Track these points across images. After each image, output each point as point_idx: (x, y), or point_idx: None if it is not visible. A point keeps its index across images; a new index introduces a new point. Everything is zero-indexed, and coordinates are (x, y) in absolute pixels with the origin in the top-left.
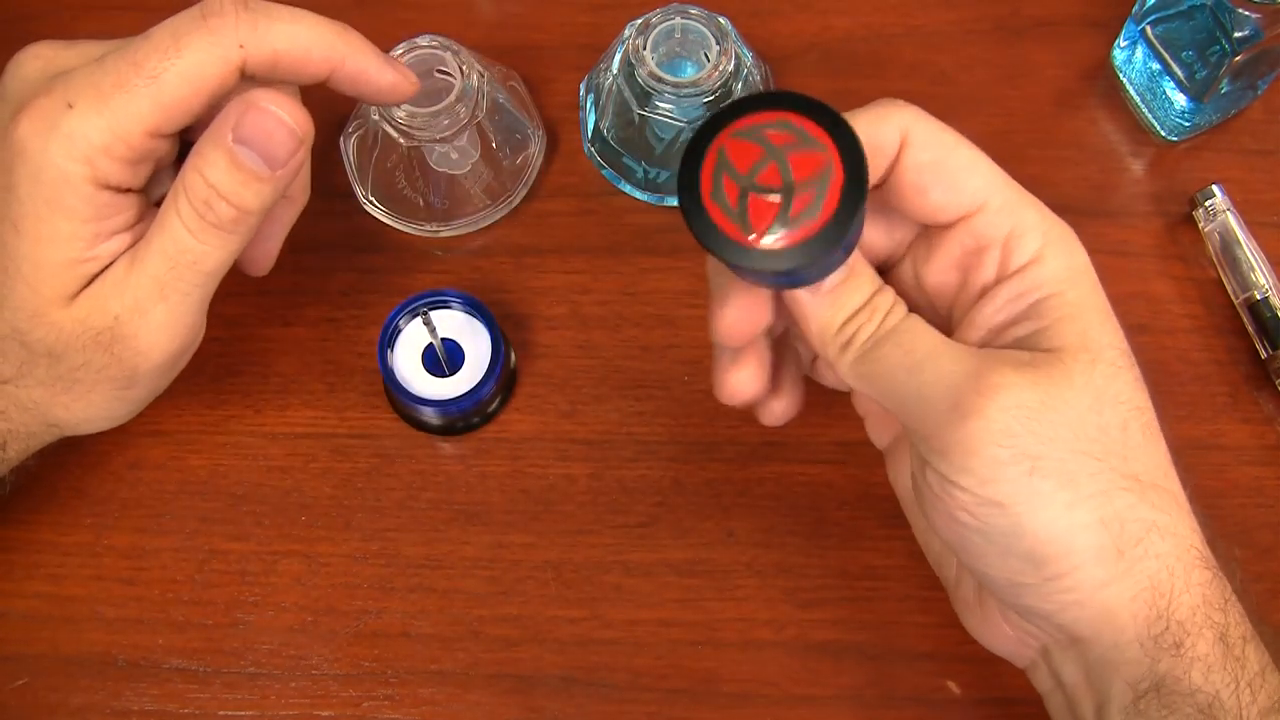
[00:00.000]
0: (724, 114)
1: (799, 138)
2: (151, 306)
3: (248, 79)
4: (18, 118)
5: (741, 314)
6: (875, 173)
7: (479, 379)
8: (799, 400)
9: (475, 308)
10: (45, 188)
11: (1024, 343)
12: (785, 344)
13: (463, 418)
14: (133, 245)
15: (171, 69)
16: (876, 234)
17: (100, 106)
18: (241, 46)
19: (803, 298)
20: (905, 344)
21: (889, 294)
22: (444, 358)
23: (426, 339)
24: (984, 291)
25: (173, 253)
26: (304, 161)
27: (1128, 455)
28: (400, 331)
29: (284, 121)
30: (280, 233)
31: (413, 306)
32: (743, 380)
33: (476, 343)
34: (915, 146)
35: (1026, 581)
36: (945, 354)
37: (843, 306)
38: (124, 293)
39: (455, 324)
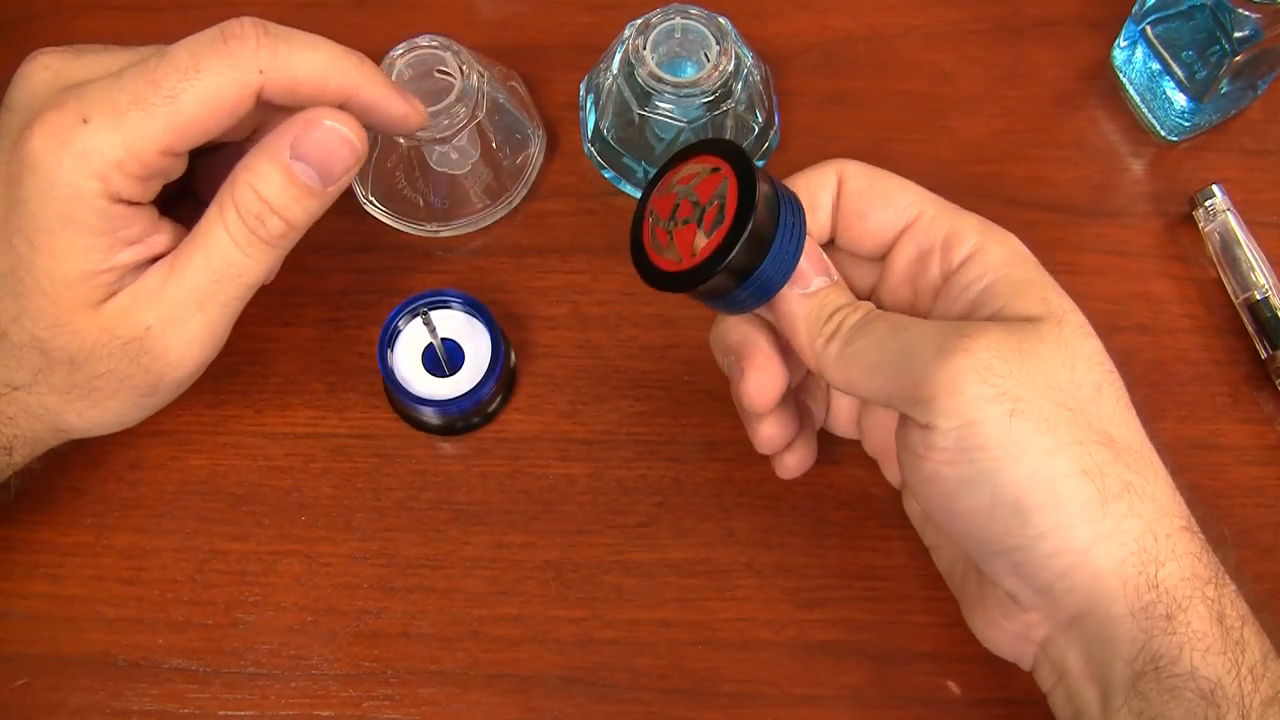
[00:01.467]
0: (648, 186)
1: (699, 173)
2: (188, 318)
3: (263, 103)
4: (29, 131)
5: (762, 378)
6: (819, 210)
7: (479, 379)
8: (812, 454)
9: (475, 308)
10: (58, 203)
11: (995, 317)
12: (800, 402)
13: (463, 418)
14: (149, 256)
15: (189, 90)
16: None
17: (116, 123)
18: (260, 71)
19: (790, 299)
20: (889, 319)
21: (869, 303)
22: (444, 358)
23: (426, 339)
24: (935, 293)
25: (218, 266)
26: (353, 177)
27: (1101, 415)
28: (400, 331)
29: (348, 139)
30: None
31: (413, 306)
32: (775, 432)
33: (476, 343)
34: (850, 179)
35: (1016, 544)
36: (927, 321)
37: (828, 303)
38: (159, 303)
39: (455, 324)
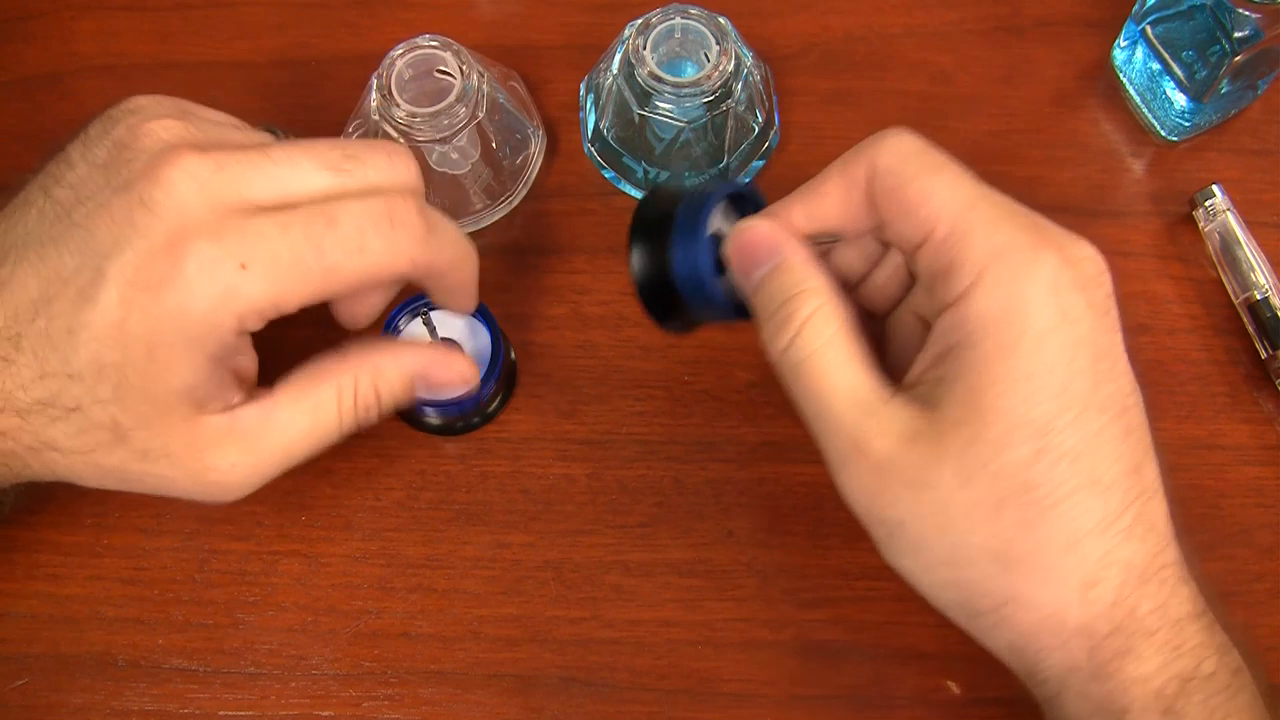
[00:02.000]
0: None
1: None
2: (267, 469)
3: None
4: (184, 253)
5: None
6: (827, 211)
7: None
8: None
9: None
10: (192, 326)
11: (936, 387)
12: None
13: (463, 418)
14: (237, 371)
15: (349, 267)
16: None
17: (273, 280)
18: (413, 261)
19: (749, 291)
20: (823, 356)
21: (808, 302)
22: None
23: (426, 339)
24: (931, 321)
25: (317, 437)
26: None
27: (1004, 536)
28: (400, 331)
29: (466, 381)
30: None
31: (413, 306)
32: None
33: (476, 342)
34: (881, 174)
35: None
36: (836, 403)
37: (774, 292)
38: (250, 449)
39: (455, 324)
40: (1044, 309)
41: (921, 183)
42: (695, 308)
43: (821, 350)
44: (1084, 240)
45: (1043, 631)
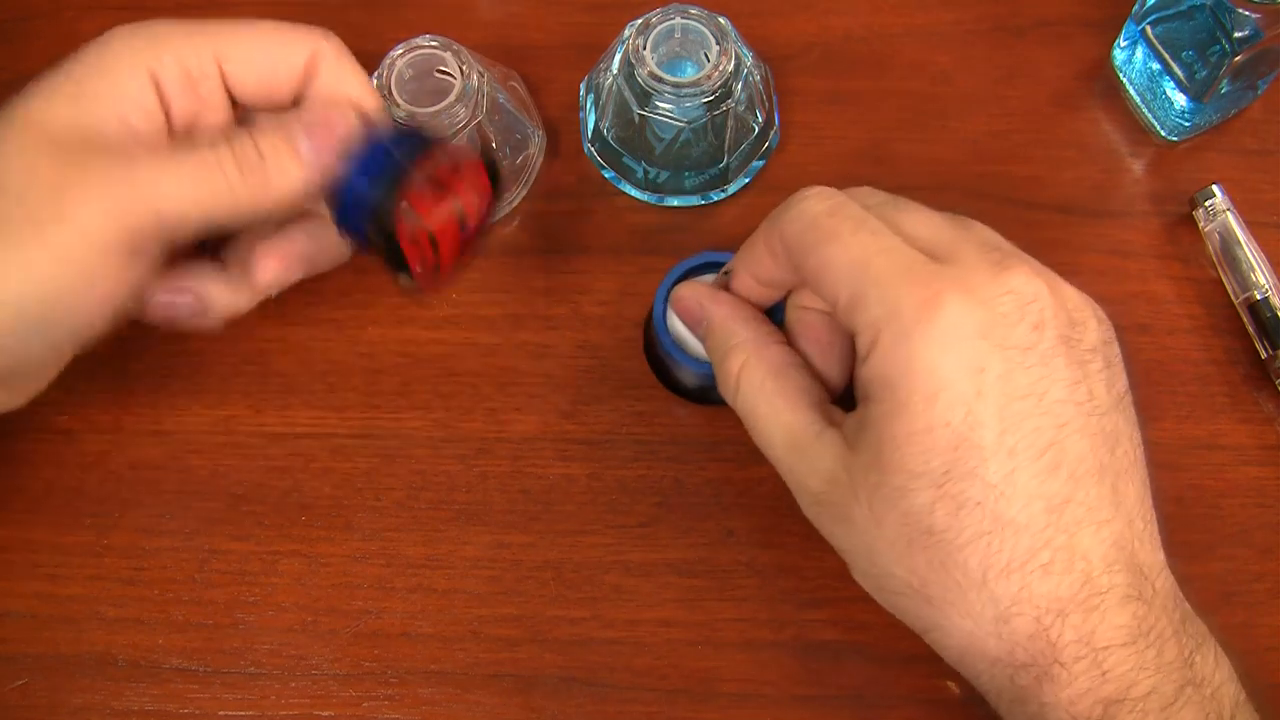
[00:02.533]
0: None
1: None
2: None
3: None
4: None
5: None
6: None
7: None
8: None
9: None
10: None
11: (856, 430)
12: None
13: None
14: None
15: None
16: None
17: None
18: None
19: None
20: (752, 424)
21: (736, 358)
22: None
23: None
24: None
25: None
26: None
27: (918, 573)
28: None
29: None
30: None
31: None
32: None
33: None
34: (788, 246)
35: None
36: (775, 444)
37: (724, 339)
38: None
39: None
40: (935, 369)
41: (820, 254)
42: (675, 372)
43: (754, 398)
44: (1013, 269)
45: (967, 656)
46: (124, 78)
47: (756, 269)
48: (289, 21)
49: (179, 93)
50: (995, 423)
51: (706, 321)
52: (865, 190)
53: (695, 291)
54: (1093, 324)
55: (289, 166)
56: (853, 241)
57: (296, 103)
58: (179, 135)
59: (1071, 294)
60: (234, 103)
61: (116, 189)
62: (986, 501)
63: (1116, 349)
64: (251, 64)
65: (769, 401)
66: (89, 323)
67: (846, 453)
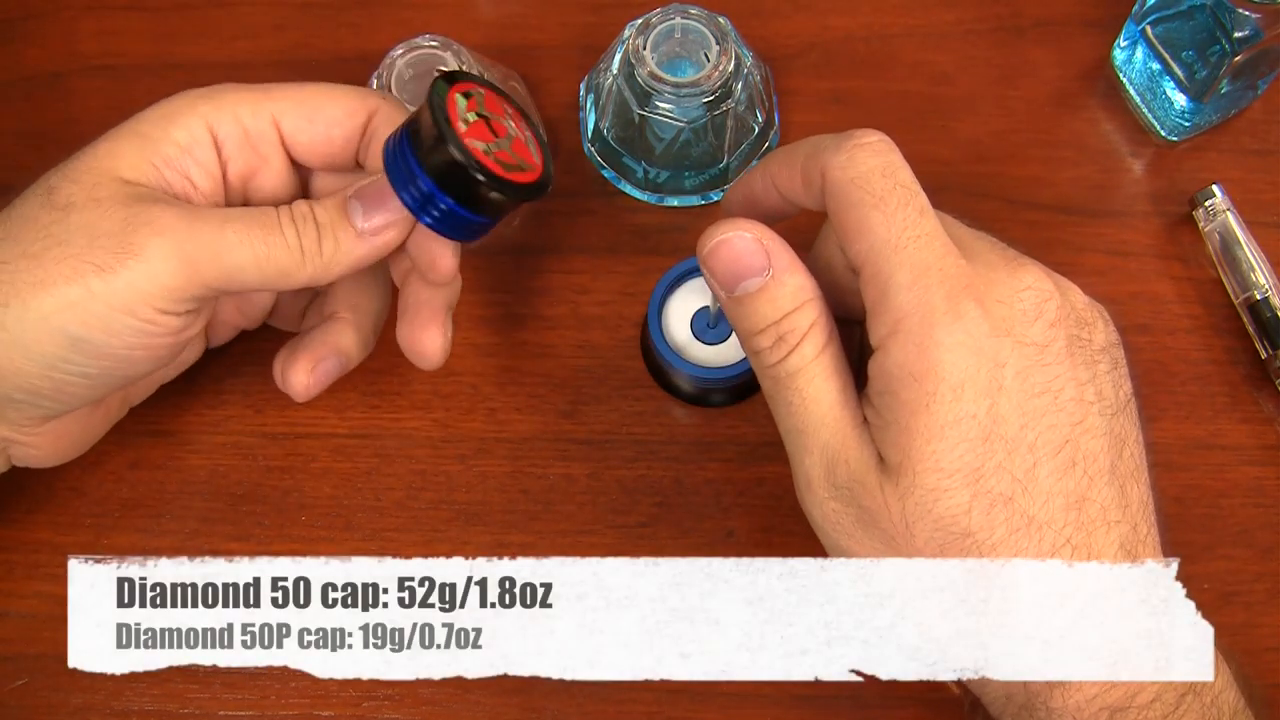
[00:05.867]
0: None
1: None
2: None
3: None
4: None
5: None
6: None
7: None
8: None
9: None
10: None
11: (879, 428)
12: None
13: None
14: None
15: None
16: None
17: None
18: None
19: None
20: (793, 399)
21: (806, 315)
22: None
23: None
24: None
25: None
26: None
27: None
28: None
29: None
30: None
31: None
32: None
33: None
34: (830, 189)
35: None
36: (816, 423)
37: (759, 315)
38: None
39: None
40: (959, 362)
41: (859, 214)
42: (672, 377)
43: (812, 367)
44: (1027, 268)
45: None
46: (185, 132)
47: (783, 182)
48: (350, 86)
49: (236, 150)
50: (1016, 417)
51: (774, 273)
52: None
53: (757, 235)
54: (1100, 325)
55: (344, 239)
56: (897, 215)
57: (360, 165)
58: (234, 194)
59: (1079, 296)
60: (295, 164)
61: (183, 235)
62: (1015, 497)
63: (1122, 352)
64: (307, 124)
65: (824, 378)
66: (135, 366)
67: (875, 454)
